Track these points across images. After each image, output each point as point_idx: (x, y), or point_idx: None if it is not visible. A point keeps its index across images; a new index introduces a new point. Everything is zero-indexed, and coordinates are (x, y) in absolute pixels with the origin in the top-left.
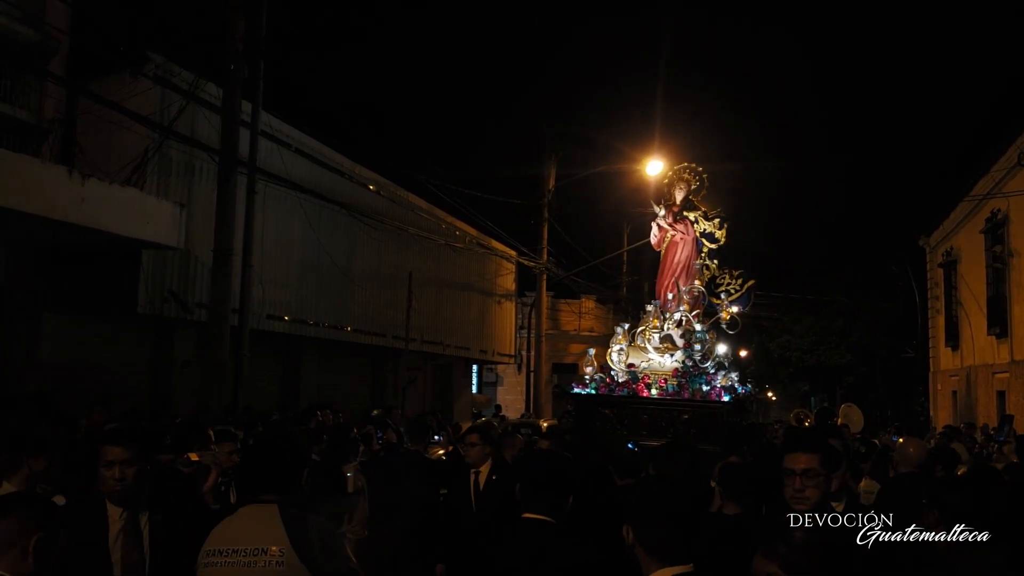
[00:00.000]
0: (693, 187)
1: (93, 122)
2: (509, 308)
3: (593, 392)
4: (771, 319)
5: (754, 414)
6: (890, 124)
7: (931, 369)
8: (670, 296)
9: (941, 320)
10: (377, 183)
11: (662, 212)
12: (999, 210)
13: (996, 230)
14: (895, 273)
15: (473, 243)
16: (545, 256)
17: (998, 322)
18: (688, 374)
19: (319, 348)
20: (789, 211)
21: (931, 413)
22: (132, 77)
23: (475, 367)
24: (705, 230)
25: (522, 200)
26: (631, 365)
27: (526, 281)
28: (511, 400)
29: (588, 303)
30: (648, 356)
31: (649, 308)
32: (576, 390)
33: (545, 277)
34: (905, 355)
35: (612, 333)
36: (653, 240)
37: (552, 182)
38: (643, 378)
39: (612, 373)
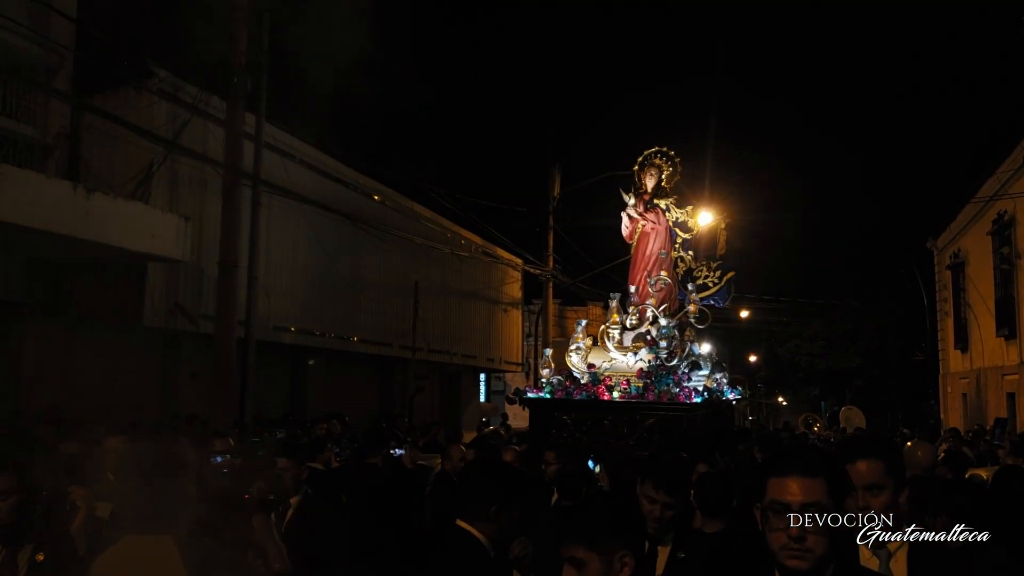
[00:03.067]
0: (665, 173)
1: (98, 137)
2: (516, 316)
3: (548, 396)
4: (780, 324)
5: (766, 419)
6: (897, 128)
7: (940, 371)
8: (632, 289)
9: (950, 322)
10: (381, 193)
11: (632, 201)
12: (1006, 211)
13: (1003, 231)
14: (903, 276)
15: (478, 251)
16: (551, 263)
17: (1007, 323)
18: (654, 374)
19: (326, 358)
20: (797, 216)
21: (941, 416)
22: (136, 91)
23: (483, 375)
24: (678, 219)
25: (527, 208)
26: (591, 366)
27: (533, 289)
28: (519, 409)
29: (595, 310)
30: (610, 355)
31: (611, 304)
32: (531, 394)
33: (551, 284)
34: (915, 358)
35: None
36: (624, 232)
37: (557, 189)
38: (604, 380)
39: (573, 375)
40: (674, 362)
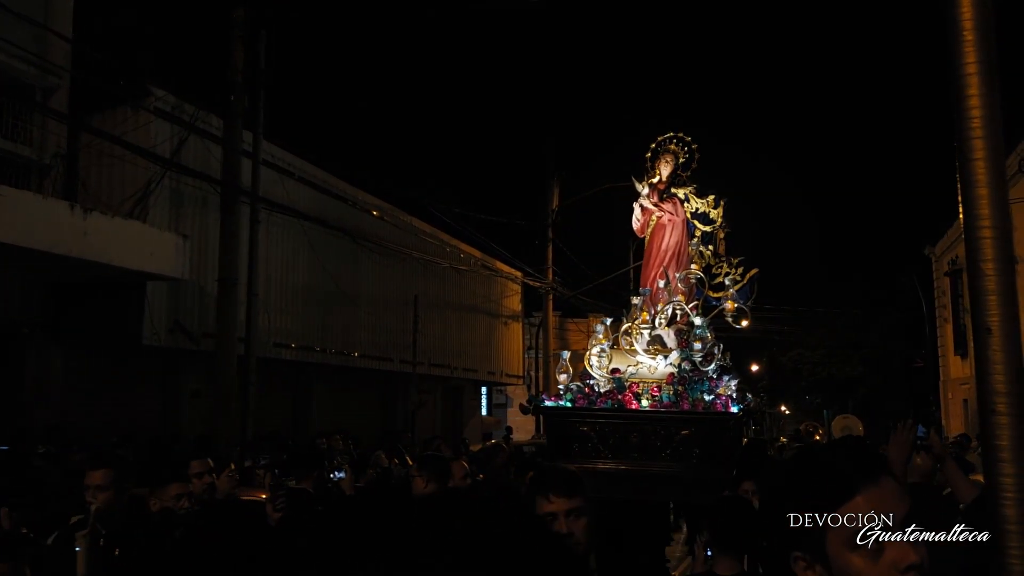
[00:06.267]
0: (681, 160)
1: (96, 156)
2: (516, 329)
3: (569, 405)
4: (781, 333)
5: (768, 429)
6: (894, 135)
7: (941, 378)
8: (660, 284)
9: (949, 329)
10: (380, 208)
11: (645, 191)
12: None
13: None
14: (902, 284)
15: (478, 265)
16: (551, 276)
17: None
18: (687, 380)
19: (327, 375)
20: (797, 224)
21: (943, 422)
22: (133, 111)
23: (484, 389)
24: (697, 209)
25: (526, 221)
26: (615, 371)
27: (533, 301)
28: (522, 422)
29: (597, 322)
30: (636, 359)
31: (635, 301)
32: (547, 403)
33: (551, 297)
34: (915, 365)
35: None
36: (636, 225)
37: (556, 202)
38: (631, 386)
39: (591, 381)
40: (710, 366)
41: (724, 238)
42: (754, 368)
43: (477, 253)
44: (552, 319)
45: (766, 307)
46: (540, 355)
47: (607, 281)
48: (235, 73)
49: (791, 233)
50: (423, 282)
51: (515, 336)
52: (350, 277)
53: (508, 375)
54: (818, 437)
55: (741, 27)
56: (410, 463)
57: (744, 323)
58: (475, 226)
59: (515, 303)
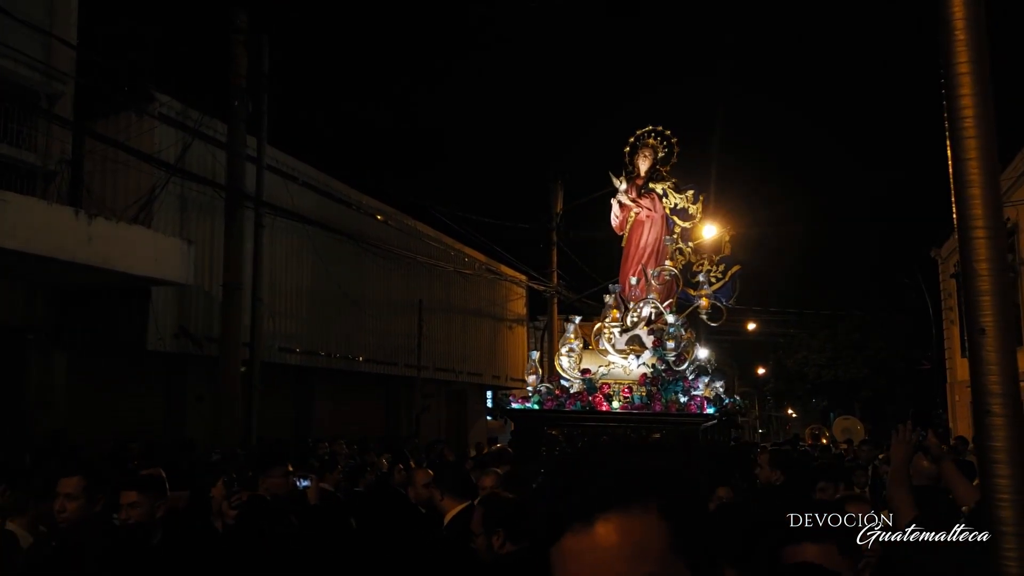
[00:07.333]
0: (660, 155)
1: (100, 162)
2: (521, 332)
3: (536, 407)
4: (787, 336)
5: (775, 432)
6: (899, 137)
7: (948, 380)
8: (633, 281)
9: (956, 330)
10: (384, 212)
11: (623, 186)
12: (1008, 219)
13: (1006, 239)
14: (907, 286)
15: (482, 269)
16: (555, 279)
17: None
18: (660, 380)
19: (331, 379)
20: (801, 228)
21: (950, 425)
22: (137, 116)
23: (489, 393)
24: (676, 205)
25: (530, 225)
26: (586, 371)
27: (538, 305)
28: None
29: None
30: (608, 359)
31: (607, 299)
32: (515, 405)
33: (556, 300)
34: (922, 367)
35: None
36: (614, 221)
37: (559, 205)
38: (602, 387)
39: (563, 382)
40: (683, 366)
41: (730, 240)
42: (760, 371)
43: (482, 257)
44: (557, 322)
45: (771, 310)
46: (545, 359)
47: (612, 284)
48: (238, 78)
49: (797, 236)
50: (427, 286)
51: (520, 340)
52: (354, 281)
53: (513, 379)
54: (824, 440)
55: (745, 28)
56: (413, 467)
57: (751, 326)
58: (479, 230)
59: (520, 307)
